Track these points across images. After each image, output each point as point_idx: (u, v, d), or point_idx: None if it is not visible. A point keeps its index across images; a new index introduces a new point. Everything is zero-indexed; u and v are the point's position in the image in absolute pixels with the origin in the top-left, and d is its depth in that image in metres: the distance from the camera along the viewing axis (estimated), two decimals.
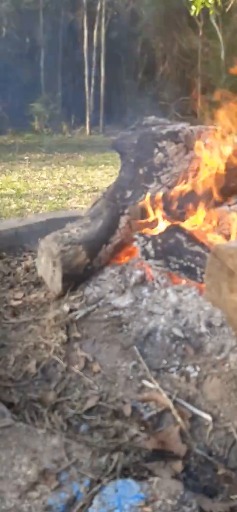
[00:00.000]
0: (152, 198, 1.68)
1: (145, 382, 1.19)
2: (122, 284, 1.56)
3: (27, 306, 1.64)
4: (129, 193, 1.75)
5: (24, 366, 1.31)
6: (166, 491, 0.80)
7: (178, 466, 0.96)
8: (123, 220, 1.71)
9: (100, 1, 13.67)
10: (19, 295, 1.73)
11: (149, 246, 1.56)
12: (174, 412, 1.09)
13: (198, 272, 1.46)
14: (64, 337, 1.38)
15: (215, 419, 1.08)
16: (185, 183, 1.70)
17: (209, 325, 1.30)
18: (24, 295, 1.73)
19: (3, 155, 7.88)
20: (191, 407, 1.11)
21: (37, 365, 1.30)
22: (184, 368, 1.21)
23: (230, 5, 6.42)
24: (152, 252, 1.55)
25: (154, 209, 1.67)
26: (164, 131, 1.79)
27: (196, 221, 1.64)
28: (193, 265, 1.48)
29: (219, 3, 6.59)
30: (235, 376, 1.16)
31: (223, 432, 1.06)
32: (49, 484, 0.81)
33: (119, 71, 14.48)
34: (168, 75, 13.78)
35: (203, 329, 1.28)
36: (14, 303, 1.67)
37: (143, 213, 1.68)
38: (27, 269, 1.95)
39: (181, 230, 1.55)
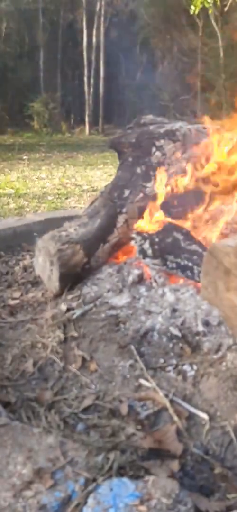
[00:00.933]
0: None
1: (142, 381, 1.19)
2: (119, 283, 1.55)
3: (25, 305, 1.64)
4: (126, 192, 1.75)
5: (21, 365, 1.30)
6: (162, 490, 0.79)
7: (175, 465, 0.96)
8: (120, 219, 1.71)
9: (100, 1, 13.66)
10: (17, 294, 1.73)
11: (146, 245, 1.56)
12: (171, 411, 1.08)
13: (196, 271, 1.46)
14: (61, 336, 1.37)
15: (212, 418, 1.08)
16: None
17: (206, 324, 1.29)
18: (21, 294, 1.73)
19: (2, 154, 7.88)
20: (188, 406, 1.11)
21: (34, 364, 1.30)
22: (181, 367, 1.21)
23: (228, 4, 6.43)
24: (149, 251, 1.55)
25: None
26: (161, 130, 1.79)
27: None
28: (190, 264, 1.48)
29: (218, 3, 6.59)
30: (232, 375, 1.15)
31: (219, 431, 1.05)
32: (44, 483, 0.81)
33: (118, 70, 14.48)
34: (167, 75, 13.77)
35: (200, 328, 1.28)
36: (12, 302, 1.67)
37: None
38: (25, 268, 1.95)
39: (179, 229, 1.54)
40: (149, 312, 1.38)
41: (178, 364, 1.22)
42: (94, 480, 0.83)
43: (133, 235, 1.62)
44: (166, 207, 1.67)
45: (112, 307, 1.44)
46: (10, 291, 1.78)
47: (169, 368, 1.22)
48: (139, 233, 1.62)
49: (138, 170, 1.76)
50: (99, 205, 1.78)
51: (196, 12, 6.38)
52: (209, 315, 1.31)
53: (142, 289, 1.50)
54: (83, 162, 7.37)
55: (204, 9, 6.89)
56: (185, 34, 12.73)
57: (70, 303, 1.51)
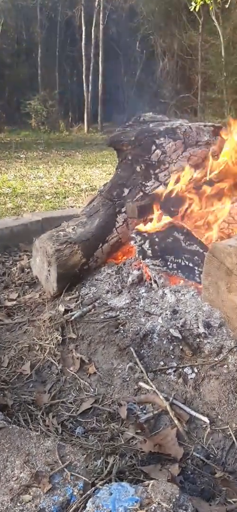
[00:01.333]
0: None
1: (142, 384, 1.17)
2: (119, 284, 1.53)
3: (22, 306, 1.62)
4: (126, 191, 1.72)
5: (18, 367, 1.29)
6: (162, 494, 0.78)
7: (175, 469, 0.94)
8: (120, 219, 1.69)
9: None
10: (14, 295, 1.71)
11: (146, 245, 1.54)
12: (171, 414, 1.07)
13: (197, 271, 1.44)
14: (59, 338, 1.36)
15: (213, 421, 1.07)
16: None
17: (207, 325, 1.28)
18: (18, 296, 1.71)
19: None
20: (188, 409, 1.09)
21: (32, 366, 1.28)
22: (182, 370, 1.19)
23: (229, 1, 6.39)
24: (149, 252, 1.53)
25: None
26: (161, 128, 1.77)
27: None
28: (191, 265, 1.46)
29: None
30: (233, 378, 1.14)
31: (221, 434, 1.04)
32: (42, 487, 0.79)
33: (117, 67, 14.41)
34: (167, 72, 13.73)
35: (201, 330, 1.26)
36: (9, 303, 1.65)
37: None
38: (22, 269, 1.93)
39: (179, 229, 1.53)
40: (149, 314, 1.36)
41: (179, 367, 1.20)
42: (93, 484, 0.81)
43: (133, 235, 1.61)
44: (167, 206, 1.65)
45: (111, 309, 1.42)
46: (7, 292, 1.76)
47: (170, 370, 1.20)
48: (139, 233, 1.60)
49: (138, 168, 1.74)
50: (97, 204, 1.76)
51: (197, 9, 6.34)
52: (210, 316, 1.30)
53: (142, 290, 1.48)
54: (81, 160, 7.34)
55: (204, 6, 6.85)
56: (186, 31, 12.66)
57: (68, 304, 1.49)
